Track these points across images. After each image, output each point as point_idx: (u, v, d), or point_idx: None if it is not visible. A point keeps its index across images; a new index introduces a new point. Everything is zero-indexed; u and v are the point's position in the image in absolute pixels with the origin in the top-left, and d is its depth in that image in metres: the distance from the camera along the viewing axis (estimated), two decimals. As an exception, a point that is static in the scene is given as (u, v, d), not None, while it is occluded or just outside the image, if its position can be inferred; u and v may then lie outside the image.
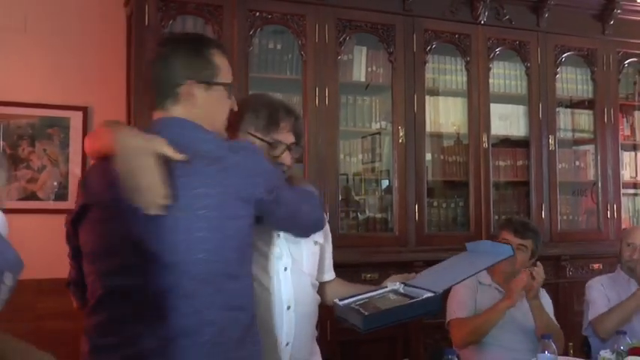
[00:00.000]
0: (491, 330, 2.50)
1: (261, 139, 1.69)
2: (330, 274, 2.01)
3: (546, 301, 2.67)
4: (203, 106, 1.47)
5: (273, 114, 1.71)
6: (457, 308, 2.61)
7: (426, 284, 1.79)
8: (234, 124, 1.66)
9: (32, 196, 3.31)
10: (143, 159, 1.31)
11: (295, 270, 1.74)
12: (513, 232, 2.68)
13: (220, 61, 1.50)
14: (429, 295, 1.70)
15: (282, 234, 1.72)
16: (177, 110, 1.46)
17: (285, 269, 1.72)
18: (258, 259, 1.65)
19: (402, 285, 1.86)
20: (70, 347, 3.11)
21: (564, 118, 4.17)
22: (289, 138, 1.73)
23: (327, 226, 1.93)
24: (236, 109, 1.56)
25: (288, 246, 1.73)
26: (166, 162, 1.33)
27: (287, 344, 1.70)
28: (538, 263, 2.58)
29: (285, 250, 1.73)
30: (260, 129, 1.70)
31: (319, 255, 1.89)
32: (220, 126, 1.52)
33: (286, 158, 1.73)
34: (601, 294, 2.85)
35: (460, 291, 2.66)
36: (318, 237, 1.83)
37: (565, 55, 4.04)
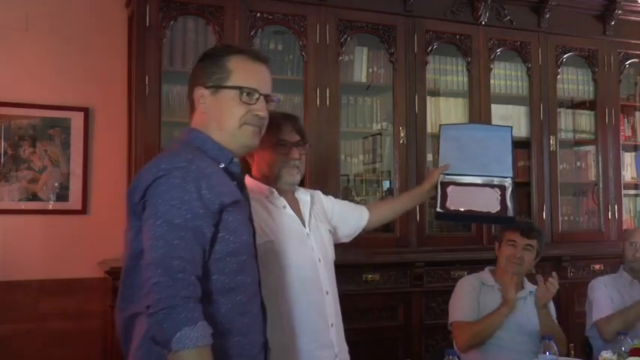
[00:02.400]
0: (494, 333, 2.50)
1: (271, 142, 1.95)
2: (364, 215, 2.27)
3: (549, 305, 2.66)
4: (209, 109, 1.56)
5: (272, 120, 1.90)
6: (460, 310, 2.61)
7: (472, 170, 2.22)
8: None
9: (33, 197, 3.31)
10: None
11: (326, 260, 2.01)
12: (520, 232, 2.66)
13: (236, 65, 1.57)
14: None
15: (310, 233, 2.00)
16: (194, 117, 1.59)
17: (320, 260, 1.98)
18: (303, 251, 1.94)
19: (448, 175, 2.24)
20: (71, 347, 3.12)
21: (565, 118, 4.16)
22: (294, 137, 2.00)
23: (321, 196, 2.20)
24: (262, 113, 1.62)
25: (316, 241, 2.00)
26: None
27: (332, 325, 1.96)
28: (554, 274, 2.60)
29: (315, 245, 1.98)
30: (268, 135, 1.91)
31: (341, 225, 2.20)
32: (230, 127, 1.56)
33: (294, 153, 1.99)
34: (604, 294, 2.85)
35: (463, 292, 2.65)
36: (328, 225, 2.11)
37: (566, 55, 4.03)
